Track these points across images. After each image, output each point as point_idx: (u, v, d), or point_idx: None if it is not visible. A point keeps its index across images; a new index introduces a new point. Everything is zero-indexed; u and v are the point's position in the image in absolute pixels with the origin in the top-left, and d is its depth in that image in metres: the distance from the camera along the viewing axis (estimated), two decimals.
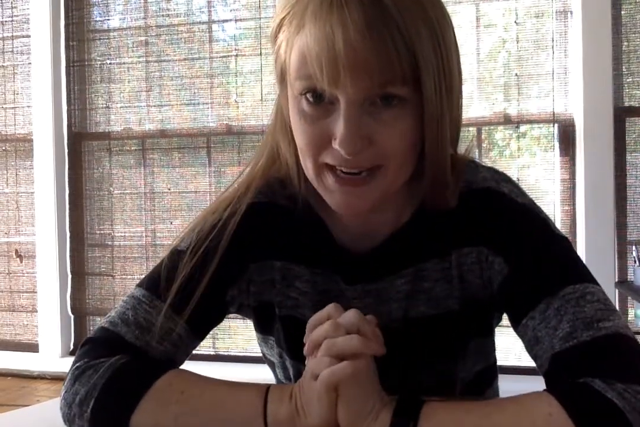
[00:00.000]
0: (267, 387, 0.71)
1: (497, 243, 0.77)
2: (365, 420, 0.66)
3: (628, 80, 2.12)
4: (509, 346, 2.10)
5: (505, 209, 0.79)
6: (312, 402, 0.66)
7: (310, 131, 0.69)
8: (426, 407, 0.65)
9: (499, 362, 1.04)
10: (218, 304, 0.82)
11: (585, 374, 0.64)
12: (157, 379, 0.72)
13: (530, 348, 0.74)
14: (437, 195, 0.77)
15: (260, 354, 0.98)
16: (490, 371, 0.95)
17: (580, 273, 0.74)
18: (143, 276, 0.84)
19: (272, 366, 0.95)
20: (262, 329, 0.89)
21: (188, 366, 0.98)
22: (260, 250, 0.82)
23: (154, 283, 0.80)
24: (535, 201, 0.85)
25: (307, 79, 0.67)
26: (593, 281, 0.74)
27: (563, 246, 0.77)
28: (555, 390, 0.64)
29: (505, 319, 0.93)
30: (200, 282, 0.79)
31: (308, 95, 0.68)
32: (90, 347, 0.77)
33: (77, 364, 0.75)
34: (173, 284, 0.79)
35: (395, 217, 0.81)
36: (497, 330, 1.05)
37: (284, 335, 0.85)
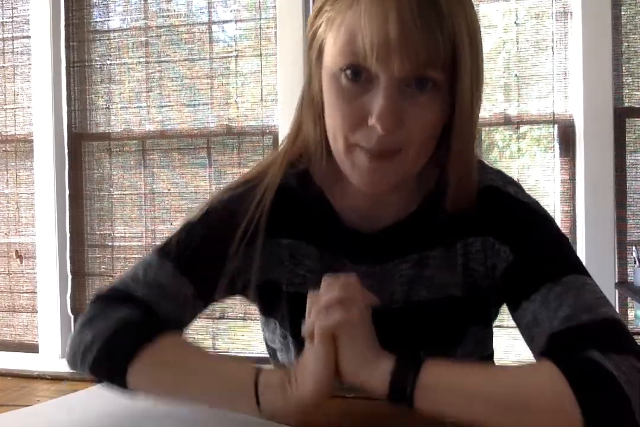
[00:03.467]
0: (258, 372, 0.71)
1: (504, 233, 0.81)
2: (365, 369, 0.67)
3: (628, 81, 2.12)
4: (508, 346, 2.10)
5: (511, 205, 0.83)
6: (308, 364, 0.68)
7: (346, 108, 0.73)
8: (428, 362, 0.67)
9: (498, 363, 1.06)
10: (223, 271, 0.84)
11: (583, 349, 0.66)
12: (158, 337, 0.74)
13: (529, 330, 0.76)
14: (462, 190, 0.81)
15: (260, 355, 0.98)
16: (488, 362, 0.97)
17: (580, 266, 0.79)
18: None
19: (273, 354, 0.97)
20: (266, 310, 0.92)
21: None
22: (270, 227, 0.84)
23: (164, 249, 0.84)
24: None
25: (352, 55, 0.70)
26: (589, 275, 0.78)
27: (565, 241, 0.82)
28: (556, 359, 0.66)
29: (502, 318, 0.94)
30: (207, 249, 0.83)
31: (348, 72, 0.72)
32: (101, 300, 0.81)
33: (87, 313, 0.80)
34: (182, 249, 0.83)
35: (402, 205, 0.85)
36: (497, 330, 1.06)
37: (289, 313, 0.87)
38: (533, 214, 0.84)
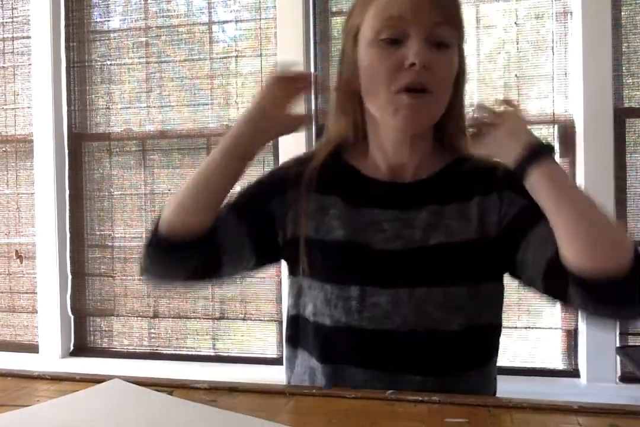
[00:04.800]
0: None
1: (517, 187, 0.91)
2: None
3: (628, 81, 2.12)
4: (508, 347, 2.10)
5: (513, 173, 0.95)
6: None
7: (387, 59, 0.94)
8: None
9: (498, 363, 1.08)
10: (264, 210, 1.05)
11: None
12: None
13: (546, 244, 0.89)
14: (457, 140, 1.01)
15: (261, 355, 1.00)
16: (493, 336, 1.05)
17: None
18: None
19: (292, 321, 1.08)
20: (293, 270, 1.07)
21: (189, 367, 1.00)
22: (299, 185, 1.05)
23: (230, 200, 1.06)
24: None
25: (389, 18, 0.94)
26: None
27: None
28: None
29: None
30: (252, 192, 1.09)
31: (385, 39, 0.94)
32: None
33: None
34: (239, 195, 1.07)
35: (425, 168, 1.03)
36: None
37: (320, 258, 1.01)
38: None
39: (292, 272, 1.08)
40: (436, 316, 0.95)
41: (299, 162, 1.10)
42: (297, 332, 1.06)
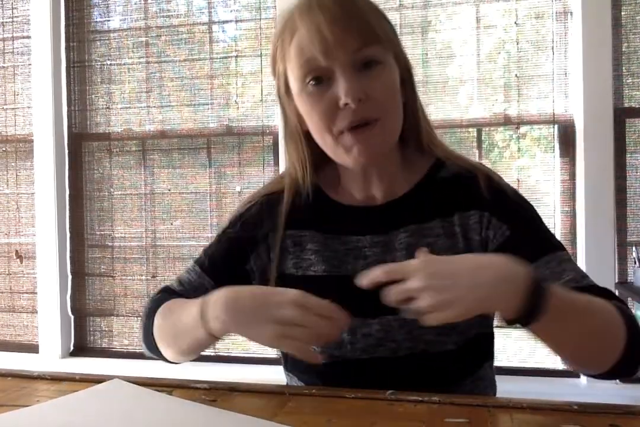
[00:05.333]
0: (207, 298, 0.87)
1: (499, 210, 0.94)
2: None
3: (628, 81, 2.12)
4: (508, 347, 2.10)
5: (504, 190, 0.97)
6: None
7: (320, 104, 0.90)
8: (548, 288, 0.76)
9: (498, 363, 1.08)
10: (238, 270, 1.03)
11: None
12: (164, 304, 0.97)
13: None
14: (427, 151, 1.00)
15: (261, 355, 1.00)
16: (486, 342, 1.04)
17: (562, 245, 0.95)
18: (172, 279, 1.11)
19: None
20: None
21: (189, 367, 1.01)
22: (273, 227, 1.02)
23: (199, 256, 1.07)
24: (536, 202, 1.03)
25: (307, 62, 0.89)
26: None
27: (542, 221, 0.97)
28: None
29: None
30: (224, 254, 1.04)
31: (311, 81, 0.90)
32: (155, 294, 1.06)
33: (150, 299, 1.04)
34: (207, 255, 1.05)
35: (398, 186, 0.99)
36: (497, 331, 1.06)
37: None
38: (522, 200, 0.99)
39: None
40: (429, 338, 0.94)
41: (262, 205, 1.05)
42: (294, 361, 1.04)
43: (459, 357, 0.96)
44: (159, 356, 0.99)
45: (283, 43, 0.93)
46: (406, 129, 0.97)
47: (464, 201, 0.96)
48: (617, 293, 2.10)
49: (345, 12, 0.89)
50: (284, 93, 0.98)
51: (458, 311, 0.70)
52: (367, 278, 0.75)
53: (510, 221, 0.94)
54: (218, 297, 0.84)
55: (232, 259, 1.04)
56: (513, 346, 2.12)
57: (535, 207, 0.99)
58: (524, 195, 1.00)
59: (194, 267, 1.06)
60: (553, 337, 0.79)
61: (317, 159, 1.00)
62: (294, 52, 0.91)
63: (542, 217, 0.98)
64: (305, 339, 0.77)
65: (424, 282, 0.70)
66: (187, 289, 1.04)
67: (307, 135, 0.98)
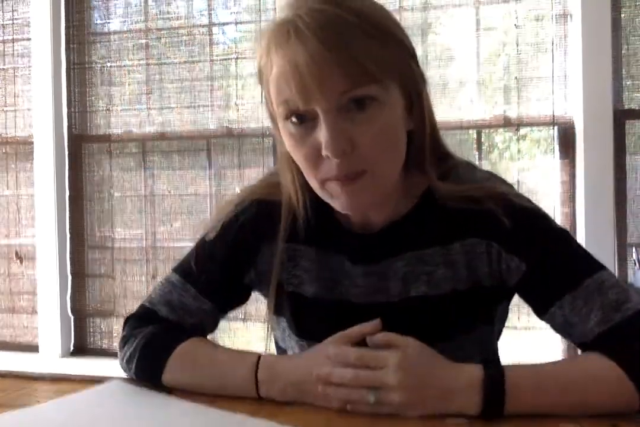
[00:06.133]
0: (257, 368, 0.82)
1: (508, 242, 0.84)
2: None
3: (627, 83, 2.12)
4: (508, 347, 2.09)
5: (509, 209, 0.84)
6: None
7: (302, 149, 0.79)
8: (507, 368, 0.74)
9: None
10: (238, 285, 0.97)
11: (625, 341, 0.77)
12: (177, 346, 0.87)
13: (564, 331, 0.84)
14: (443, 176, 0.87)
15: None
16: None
17: (591, 263, 0.85)
18: (179, 260, 1.00)
19: (283, 353, 1.04)
20: (277, 309, 0.98)
21: None
22: (271, 235, 0.93)
23: (186, 269, 0.96)
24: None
25: (285, 103, 0.77)
26: (602, 267, 0.84)
27: (568, 239, 0.87)
28: (606, 352, 0.77)
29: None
30: (221, 268, 0.95)
31: (292, 119, 0.78)
32: (133, 320, 0.96)
33: (124, 333, 0.94)
34: (200, 270, 0.94)
35: (394, 209, 0.90)
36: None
37: (290, 312, 0.95)
38: (532, 219, 0.86)
39: (276, 312, 1.00)
40: None
41: (257, 208, 0.95)
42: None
43: None
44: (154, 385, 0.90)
45: (265, 66, 0.81)
46: (410, 158, 0.85)
47: (464, 230, 0.86)
48: None
49: (329, 45, 0.72)
50: (275, 122, 0.86)
51: (422, 412, 0.73)
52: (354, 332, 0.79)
53: (525, 253, 0.83)
54: (271, 371, 0.82)
55: (231, 270, 0.95)
56: (513, 346, 2.12)
57: (566, 232, 0.88)
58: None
59: (184, 285, 0.95)
60: (543, 412, 0.74)
61: None
62: (272, 86, 0.79)
63: (572, 241, 0.87)
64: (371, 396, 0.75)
65: (398, 380, 0.72)
66: (181, 315, 0.94)
67: None
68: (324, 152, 0.76)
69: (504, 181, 0.92)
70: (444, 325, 0.89)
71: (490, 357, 0.98)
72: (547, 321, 0.85)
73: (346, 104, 0.75)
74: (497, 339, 1.02)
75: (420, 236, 0.88)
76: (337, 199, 0.81)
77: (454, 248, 0.87)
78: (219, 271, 0.95)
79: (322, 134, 0.75)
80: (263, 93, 0.85)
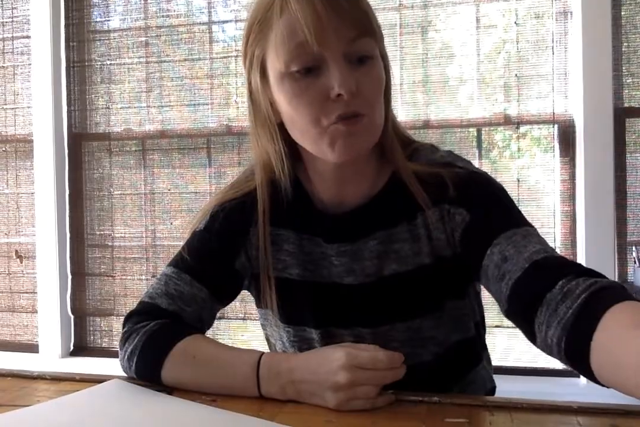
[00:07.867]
0: (258, 366, 0.83)
1: (457, 198, 0.89)
2: None
3: (628, 81, 2.12)
4: (508, 347, 2.10)
5: (463, 175, 0.91)
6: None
7: (307, 97, 0.83)
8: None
9: (498, 363, 1.07)
10: (230, 270, 0.98)
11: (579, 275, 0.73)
12: (177, 343, 0.88)
13: (498, 269, 0.81)
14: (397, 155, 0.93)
15: None
16: (470, 348, 1.01)
17: (526, 219, 0.88)
18: (171, 258, 1.01)
19: (274, 349, 1.07)
20: (260, 300, 1.01)
21: None
22: (254, 220, 0.97)
23: (179, 261, 0.98)
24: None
25: (297, 47, 0.82)
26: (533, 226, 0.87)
27: (508, 197, 0.90)
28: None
29: (502, 318, 0.94)
30: (211, 254, 0.97)
31: (297, 69, 0.83)
32: (135, 316, 0.95)
33: (125, 329, 0.94)
34: (193, 258, 0.97)
35: (367, 188, 0.94)
36: (497, 330, 1.06)
37: (277, 297, 0.97)
38: (483, 179, 0.92)
39: (259, 305, 1.04)
40: (403, 351, 0.85)
41: (242, 202, 0.99)
42: None
43: (439, 367, 0.95)
44: (153, 383, 0.90)
45: (264, 24, 0.85)
46: (379, 142, 0.91)
47: (424, 202, 0.91)
48: None
49: None
50: (258, 80, 0.90)
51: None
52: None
53: (469, 205, 0.88)
54: (271, 369, 0.82)
55: (222, 256, 0.97)
56: (513, 346, 2.12)
57: (506, 191, 0.92)
58: (515, 191, 0.94)
59: (179, 274, 0.96)
60: None
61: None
62: (281, 35, 0.83)
63: (513, 200, 0.91)
64: (368, 394, 0.78)
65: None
66: (180, 305, 0.95)
67: (280, 127, 0.91)
68: (336, 91, 0.81)
69: (462, 159, 0.96)
70: (414, 301, 0.92)
71: (468, 336, 0.99)
72: (485, 266, 0.83)
73: (350, 57, 0.83)
74: (477, 319, 1.02)
75: (390, 215, 0.93)
76: (334, 146, 0.85)
77: (417, 222, 0.92)
78: (209, 257, 0.97)
79: (333, 76, 0.81)
80: (250, 54, 0.89)
